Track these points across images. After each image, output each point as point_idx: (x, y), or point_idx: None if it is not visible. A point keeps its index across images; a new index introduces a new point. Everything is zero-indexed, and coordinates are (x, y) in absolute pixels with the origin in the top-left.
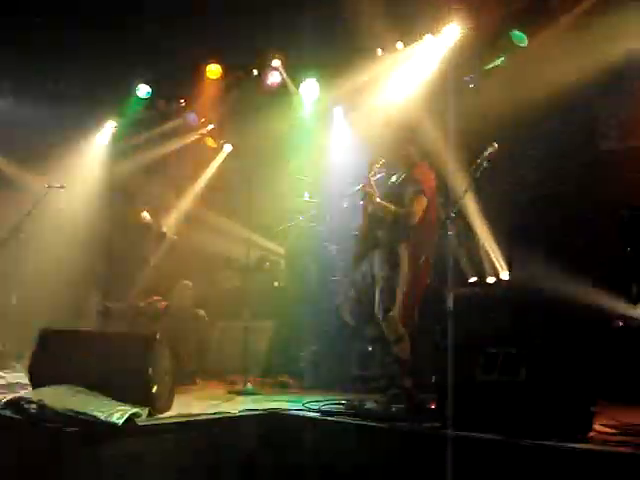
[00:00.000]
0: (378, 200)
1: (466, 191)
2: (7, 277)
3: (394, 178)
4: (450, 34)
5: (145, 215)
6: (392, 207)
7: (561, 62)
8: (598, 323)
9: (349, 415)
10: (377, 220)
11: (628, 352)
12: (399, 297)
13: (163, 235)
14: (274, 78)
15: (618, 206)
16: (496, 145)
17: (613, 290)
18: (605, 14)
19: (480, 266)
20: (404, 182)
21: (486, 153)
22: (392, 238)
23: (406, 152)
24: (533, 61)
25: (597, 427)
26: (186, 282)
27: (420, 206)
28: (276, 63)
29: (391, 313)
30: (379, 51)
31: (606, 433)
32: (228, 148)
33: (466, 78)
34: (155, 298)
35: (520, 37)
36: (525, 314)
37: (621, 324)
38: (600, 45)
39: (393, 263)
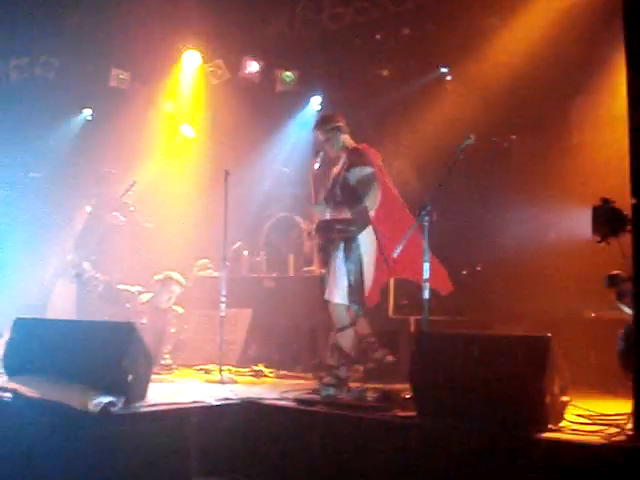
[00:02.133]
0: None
1: (440, 184)
2: None
3: (335, 169)
4: None
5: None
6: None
7: None
8: None
9: (325, 405)
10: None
11: None
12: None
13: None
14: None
15: None
16: (473, 137)
17: None
18: None
19: None
20: (349, 169)
21: (463, 145)
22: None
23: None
24: None
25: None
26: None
27: (375, 191)
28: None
29: (337, 301)
30: None
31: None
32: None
33: None
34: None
35: None
36: None
37: None
38: None
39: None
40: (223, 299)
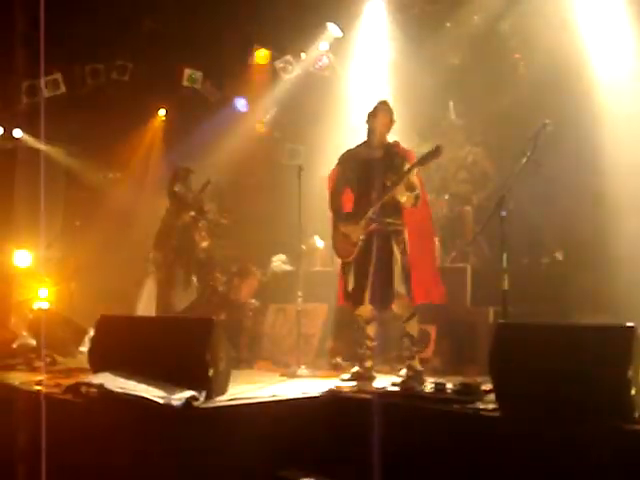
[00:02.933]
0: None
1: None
2: None
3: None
4: None
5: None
6: (412, 199)
7: None
8: None
9: (406, 397)
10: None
11: None
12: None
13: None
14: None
15: None
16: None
17: None
18: None
19: None
20: (393, 157)
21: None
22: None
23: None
24: None
25: None
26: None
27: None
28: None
29: (404, 292)
30: None
31: None
32: None
33: None
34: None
35: None
36: None
37: None
38: None
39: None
40: (300, 293)
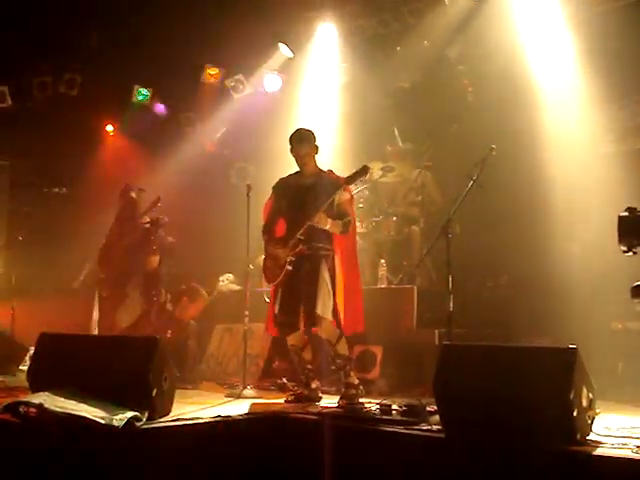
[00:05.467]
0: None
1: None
2: None
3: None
4: None
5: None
6: (339, 227)
7: None
8: None
9: (349, 418)
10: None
11: None
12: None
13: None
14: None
15: None
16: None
17: None
18: None
19: None
20: (323, 184)
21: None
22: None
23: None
24: None
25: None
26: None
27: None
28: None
29: (329, 317)
30: None
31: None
32: None
33: None
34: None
35: None
36: None
37: None
38: None
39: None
40: (246, 313)
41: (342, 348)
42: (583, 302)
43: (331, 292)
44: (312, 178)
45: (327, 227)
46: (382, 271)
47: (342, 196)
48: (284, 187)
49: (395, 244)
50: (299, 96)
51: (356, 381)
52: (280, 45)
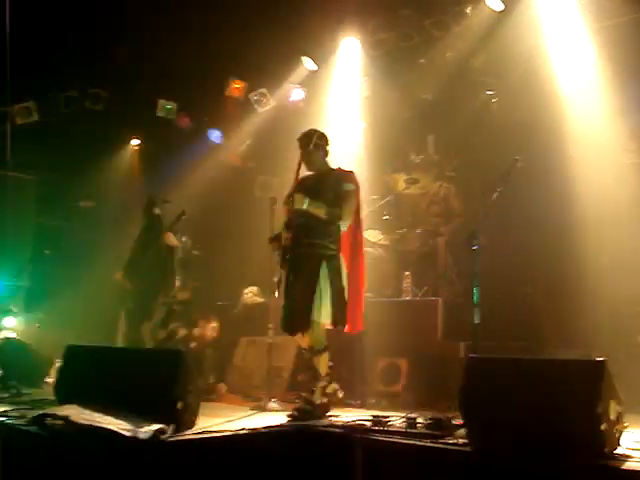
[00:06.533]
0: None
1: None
2: None
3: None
4: None
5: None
6: (322, 208)
7: None
8: None
9: (376, 432)
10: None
11: None
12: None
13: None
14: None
15: None
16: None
17: None
18: None
19: None
20: (327, 180)
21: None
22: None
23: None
24: None
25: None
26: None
27: (353, 207)
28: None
29: (322, 321)
30: None
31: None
32: None
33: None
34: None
35: None
36: None
37: None
38: None
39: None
40: (270, 325)
41: (322, 362)
42: (611, 314)
43: (330, 295)
44: (323, 175)
45: (304, 207)
46: (407, 283)
47: (344, 187)
48: (301, 183)
49: (420, 256)
50: (322, 109)
51: (318, 401)
52: (304, 58)
